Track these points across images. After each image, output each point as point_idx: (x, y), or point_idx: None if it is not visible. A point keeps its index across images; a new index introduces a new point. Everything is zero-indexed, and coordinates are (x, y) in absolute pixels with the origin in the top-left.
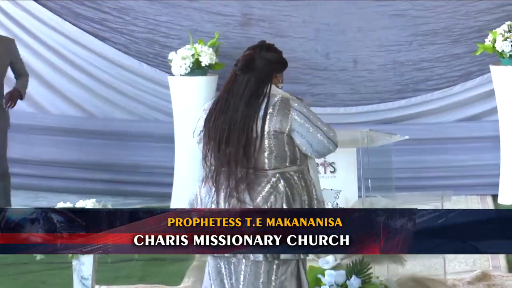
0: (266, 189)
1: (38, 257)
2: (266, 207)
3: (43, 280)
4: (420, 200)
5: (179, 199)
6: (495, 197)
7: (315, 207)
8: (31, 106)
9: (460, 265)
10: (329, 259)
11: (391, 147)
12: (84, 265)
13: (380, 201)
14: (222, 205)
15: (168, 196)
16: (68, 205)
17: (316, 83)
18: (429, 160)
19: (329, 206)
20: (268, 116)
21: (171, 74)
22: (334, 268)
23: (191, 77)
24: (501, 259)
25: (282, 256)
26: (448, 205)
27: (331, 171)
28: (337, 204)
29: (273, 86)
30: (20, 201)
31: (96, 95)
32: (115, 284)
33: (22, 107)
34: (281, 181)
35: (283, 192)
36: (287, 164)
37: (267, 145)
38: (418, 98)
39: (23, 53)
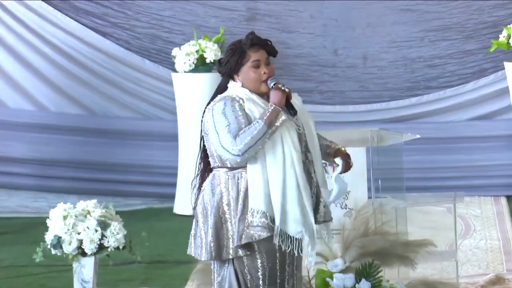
0: (202, 188)
1: (38, 259)
2: (196, 205)
3: (42, 283)
4: (431, 201)
5: (183, 200)
6: (509, 198)
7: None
8: (30, 104)
9: (473, 268)
10: (338, 262)
11: (401, 147)
12: (84, 268)
13: (390, 202)
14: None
15: (171, 197)
16: (69, 206)
17: (324, 80)
18: (441, 160)
19: (337, 207)
20: (202, 118)
21: (174, 70)
22: (343, 271)
23: (196, 74)
24: None
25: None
26: (460, 207)
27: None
28: (346, 205)
29: (235, 86)
30: (19, 202)
31: (97, 92)
32: (116, 287)
33: (22, 105)
34: (210, 181)
35: (207, 190)
36: (217, 164)
37: (204, 146)
38: (429, 96)
39: (22, 48)
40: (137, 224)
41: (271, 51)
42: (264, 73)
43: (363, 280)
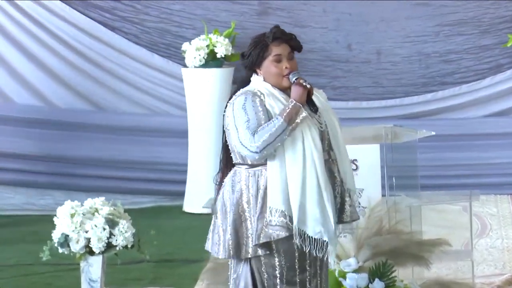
0: (222, 184)
1: (44, 258)
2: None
3: (48, 282)
4: (446, 200)
5: (193, 198)
6: None
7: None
8: (38, 99)
9: (489, 268)
10: (351, 262)
11: (416, 144)
12: (92, 267)
13: (404, 200)
14: None
15: (181, 195)
16: (76, 203)
17: (337, 76)
18: (456, 157)
19: None
20: (224, 112)
21: (184, 65)
22: (356, 271)
23: (206, 69)
24: None
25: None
26: (476, 205)
27: (353, 169)
28: (359, 203)
29: (257, 80)
30: (25, 199)
31: (105, 87)
32: (125, 287)
33: (29, 101)
34: (231, 177)
35: (227, 187)
36: (238, 160)
37: (225, 141)
38: (444, 92)
39: (30, 43)
40: (146, 222)
41: (295, 46)
42: (286, 67)
43: (377, 280)
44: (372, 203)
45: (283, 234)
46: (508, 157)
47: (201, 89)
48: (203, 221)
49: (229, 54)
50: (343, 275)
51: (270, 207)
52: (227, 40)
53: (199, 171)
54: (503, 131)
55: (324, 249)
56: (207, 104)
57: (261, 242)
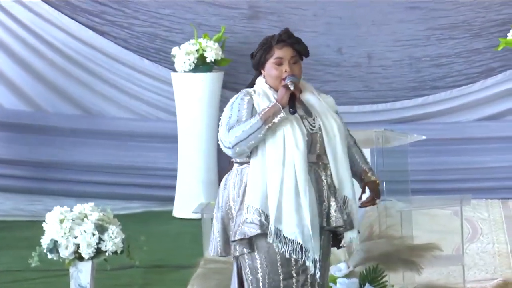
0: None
1: (33, 264)
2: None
3: None
4: (437, 204)
5: (183, 203)
6: None
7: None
8: (26, 104)
9: (480, 273)
10: (342, 267)
11: (407, 148)
12: (81, 273)
13: (395, 205)
14: None
15: (171, 200)
16: (65, 209)
17: (327, 80)
18: (447, 161)
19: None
20: None
21: (174, 70)
22: (346, 275)
23: (196, 74)
24: None
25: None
26: (467, 210)
27: None
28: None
29: (260, 80)
30: (14, 205)
31: (94, 92)
32: None
33: (17, 106)
34: (226, 176)
35: (222, 185)
36: (233, 159)
37: None
38: (436, 96)
39: (18, 47)
40: (136, 227)
41: (301, 50)
42: (286, 71)
43: (367, 285)
44: (362, 208)
45: (255, 231)
46: (499, 161)
47: (191, 93)
48: (193, 226)
49: (219, 58)
50: (334, 280)
51: (248, 204)
52: (216, 44)
53: (189, 176)
54: (494, 135)
55: (301, 252)
56: (196, 108)
57: (236, 239)
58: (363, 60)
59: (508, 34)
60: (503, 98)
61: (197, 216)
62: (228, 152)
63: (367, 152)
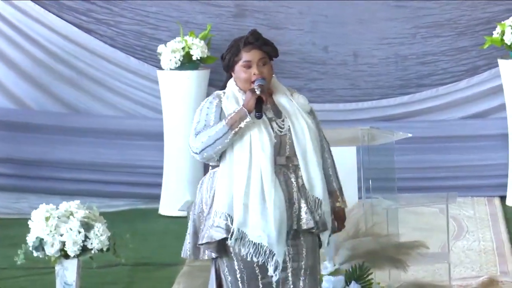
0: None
1: (19, 261)
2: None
3: (23, 286)
4: (423, 202)
5: (169, 201)
6: (503, 198)
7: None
8: (12, 102)
9: (466, 270)
10: (328, 264)
11: (393, 146)
12: (67, 270)
13: (381, 203)
14: None
15: (157, 198)
16: (51, 207)
17: (313, 78)
18: (433, 159)
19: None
20: None
21: (160, 68)
22: (332, 273)
23: (182, 71)
24: (510, 264)
25: None
26: (453, 208)
27: None
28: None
29: (230, 83)
30: (0, 203)
31: (80, 90)
32: None
33: (2, 103)
34: (202, 179)
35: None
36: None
37: None
38: (421, 94)
39: (3, 45)
40: (122, 225)
41: (270, 52)
42: (254, 74)
43: (353, 283)
44: (349, 205)
45: (221, 235)
46: (485, 159)
47: (177, 91)
48: (179, 224)
49: (205, 56)
50: (320, 277)
51: (215, 208)
52: (203, 42)
53: (175, 174)
54: (481, 133)
55: (265, 255)
56: (182, 106)
57: (203, 242)
58: (349, 58)
59: (493, 32)
60: (488, 96)
61: (183, 213)
62: (196, 157)
63: (353, 150)
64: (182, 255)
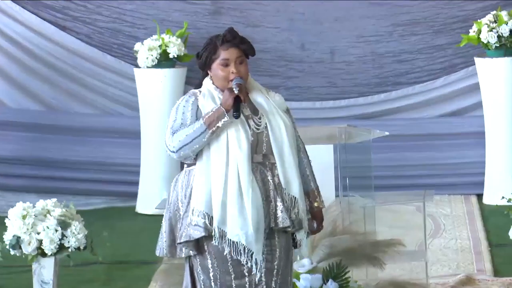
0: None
1: None
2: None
3: (0, 285)
4: (400, 200)
5: (146, 199)
6: (480, 196)
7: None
8: None
9: (443, 268)
10: (305, 262)
11: (370, 144)
12: (44, 269)
13: (358, 201)
14: None
15: (134, 196)
16: (28, 205)
17: (290, 76)
18: (410, 157)
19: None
20: None
21: (136, 66)
22: (310, 271)
23: (158, 69)
24: (486, 262)
25: None
26: (430, 206)
27: None
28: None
29: (207, 81)
30: None
31: (56, 88)
32: None
33: None
34: (176, 176)
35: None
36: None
37: None
38: (398, 92)
39: None
40: (99, 223)
41: (247, 50)
42: (232, 72)
43: (331, 280)
44: (326, 203)
45: (199, 234)
46: (462, 157)
47: (154, 89)
48: (156, 222)
49: (182, 54)
50: (297, 275)
51: (193, 207)
52: (179, 40)
53: (151, 172)
54: (457, 131)
55: (244, 254)
56: (159, 104)
57: (181, 241)
58: (326, 56)
59: (470, 30)
60: (465, 94)
61: (160, 212)
62: (173, 156)
63: (330, 148)
64: (157, 254)
